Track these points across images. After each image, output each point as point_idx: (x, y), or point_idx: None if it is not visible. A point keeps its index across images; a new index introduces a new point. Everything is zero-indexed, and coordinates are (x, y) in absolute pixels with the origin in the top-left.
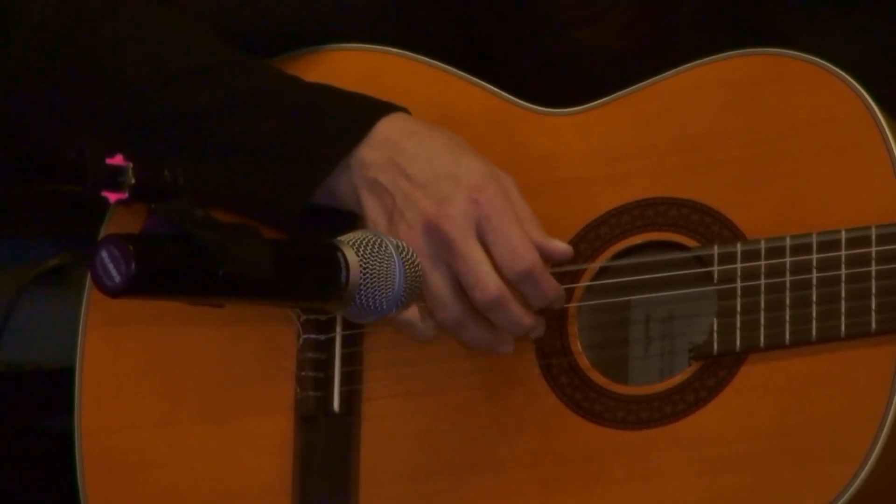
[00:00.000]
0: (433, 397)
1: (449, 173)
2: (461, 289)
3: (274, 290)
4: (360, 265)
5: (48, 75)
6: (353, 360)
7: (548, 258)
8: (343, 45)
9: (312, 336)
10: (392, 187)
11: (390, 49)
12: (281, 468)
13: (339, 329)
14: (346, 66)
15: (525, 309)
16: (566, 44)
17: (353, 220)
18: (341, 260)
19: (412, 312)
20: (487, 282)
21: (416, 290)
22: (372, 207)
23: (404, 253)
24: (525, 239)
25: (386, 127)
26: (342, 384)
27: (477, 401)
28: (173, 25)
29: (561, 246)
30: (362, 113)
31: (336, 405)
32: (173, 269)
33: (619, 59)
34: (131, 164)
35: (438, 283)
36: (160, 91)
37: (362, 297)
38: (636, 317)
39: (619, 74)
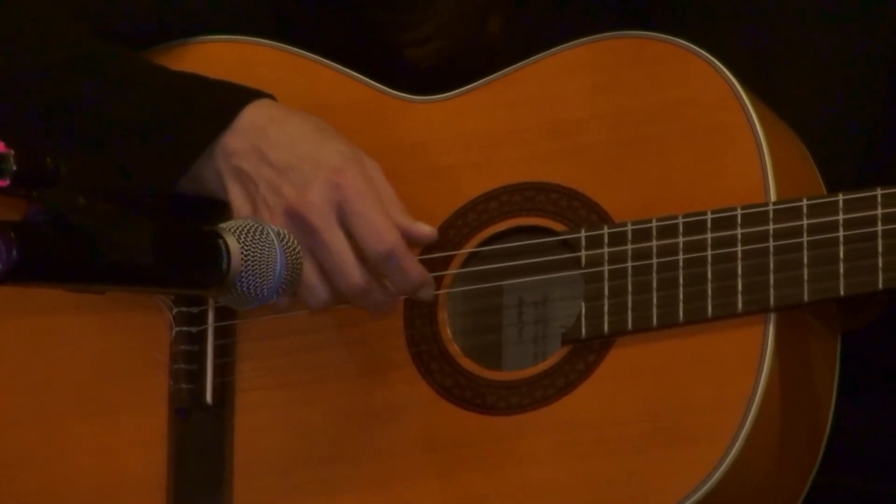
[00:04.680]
0: (307, 387)
1: (310, 158)
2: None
3: (154, 277)
4: (242, 252)
5: None
6: (226, 352)
7: (413, 242)
8: (215, 36)
9: (185, 328)
10: (255, 175)
11: (262, 40)
12: (156, 462)
13: (211, 320)
14: (218, 57)
15: (390, 293)
16: (401, 62)
17: (222, 208)
18: (223, 247)
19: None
20: (350, 272)
21: (296, 278)
22: (236, 195)
23: (285, 240)
24: (386, 220)
25: (251, 114)
26: (215, 376)
27: (350, 390)
28: (44, 17)
29: (425, 229)
30: (227, 100)
31: (209, 397)
32: (54, 257)
33: (450, 79)
34: (13, 152)
35: (305, 269)
36: (31, 82)
37: (243, 284)
38: (509, 301)
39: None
